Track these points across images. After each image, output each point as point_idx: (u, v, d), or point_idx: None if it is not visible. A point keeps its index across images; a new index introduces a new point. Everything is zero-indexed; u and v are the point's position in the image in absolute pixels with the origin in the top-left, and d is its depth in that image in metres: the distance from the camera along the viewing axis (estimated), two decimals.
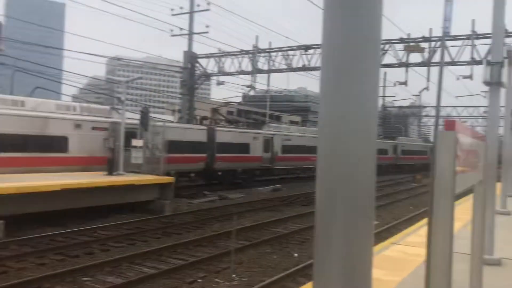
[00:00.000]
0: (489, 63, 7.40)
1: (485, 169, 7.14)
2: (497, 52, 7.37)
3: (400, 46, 29.81)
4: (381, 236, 14.21)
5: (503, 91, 14.34)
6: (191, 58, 33.19)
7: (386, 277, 6.10)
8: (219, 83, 35.87)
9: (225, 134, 28.98)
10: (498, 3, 7.20)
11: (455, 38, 28.54)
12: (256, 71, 33.82)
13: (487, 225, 7.08)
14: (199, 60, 34.28)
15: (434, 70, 34.63)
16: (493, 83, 7.32)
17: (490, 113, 7.58)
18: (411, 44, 27.23)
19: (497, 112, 7.56)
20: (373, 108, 1.47)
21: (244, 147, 30.40)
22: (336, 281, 1.38)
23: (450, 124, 3.38)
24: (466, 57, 27.80)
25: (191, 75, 33.29)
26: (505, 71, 7.44)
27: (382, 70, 57.92)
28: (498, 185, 21.73)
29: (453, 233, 3.16)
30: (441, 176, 3.12)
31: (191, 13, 32.11)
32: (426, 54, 29.29)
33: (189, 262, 11.40)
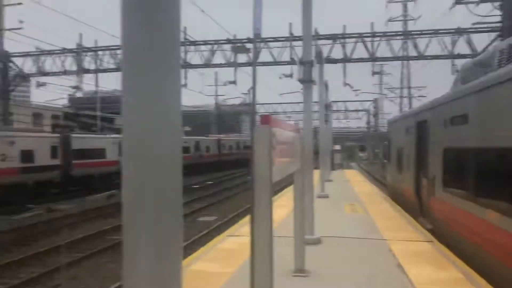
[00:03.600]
0: (301, 63, 8.21)
1: (303, 158, 7.89)
2: (307, 53, 8.20)
3: (228, 47, 31.18)
4: (220, 230, 14.69)
5: (316, 87, 16.11)
6: (2, 56, 29.46)
7: (220, 269, 6.32)
8: (40, 84, 32.60)
9: (82, 140, 29.56)
10: (306, 9, 8.02)
11: (276, 39, 30.97)
12: (82, 71, 31.68)
13: (308, 209, 7.86)
14: (13, 59, 30.68)
15: (261, 69, 36.94)
16: (306, 81, 8.14)
17: (305, 107, 8.41)
18: (237, 45, 28.64)
19: (310, 106, 8.44)
20: (176, 107, 1.49)
21: (100, 152, 30.75)
22: (144, 281, 1.36)
23: (265, 119, 3.65)
24: (286, 57, 30.43)
25: (4, 76, 29.57)
26: (315, 69, 8.34)
27: (213, 70, 59.30)
28: (317, 172, 24.21)
29: (272, 219, 3.44)
30: (259, 168, 3.35)
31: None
32: (251, 55, 31.17)
33: (10, 286, 10.15)
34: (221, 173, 43.73)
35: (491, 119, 6.60)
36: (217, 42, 31.42)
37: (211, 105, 73.75)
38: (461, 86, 8.62)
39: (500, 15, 23.53)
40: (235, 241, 8.10)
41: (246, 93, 56.08)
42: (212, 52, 31.39)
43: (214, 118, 69.49)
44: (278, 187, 28.16)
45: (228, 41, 30.75)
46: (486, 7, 24.99)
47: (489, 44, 24.31)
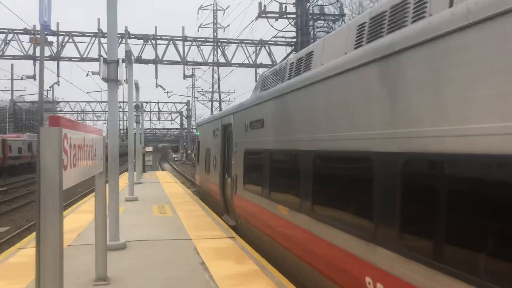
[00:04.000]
0: (105, 61, 7.84)
1: (109, 160, 7.54)
2: (112, 51, 7.86)
3: (25, 38, 27.97)
4: (12, 242, 13.03)
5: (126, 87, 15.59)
6: None
7: (7, 286, 5.61)
8: None
9: None
10: (111, 6, 7.68)
11: (83, 34, 29.03)
12: None
13: (112, 213, 7.56)
14: None
15: (65, 65, 34.21)
16: (111, 80, 7.80)
17: (110, 107, 8.06)
18: (37, 37, 25.87)
19: (116, 106, 8.10)
20: None
21: None
22: None
23: (54, 120, 3.36)
24: (95, 53, 28.78)
25: None
26: (122, 68, 8.01)
27: (8, 62, 52.45)
28: (126, 175, 23.51)
29: (62, 229, 3.18)
30: (46, 172, 3.06)
31: None
32: (54, 48, 28.56)
33: None
34: (12, 179, 38.76)
35: (281, 125, 7.34)
36: (12, 31, 27.91)
37: (5, 100, 65.13)
38: (258, 94, 9.44)
39: (294, 31, 26.54)
40: (28, 253, 7.28)
41: (48, 90, 51.18)
42: (5, 42, 27.77)
43: (9, 116, 61.54)
44: (89, 189, 26.41)
45: (26, 31, 27.61)
46: (284, 23, 27.90)
47: (286, 57, 27.20)
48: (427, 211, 3.46)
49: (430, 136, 3.49)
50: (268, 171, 7.76)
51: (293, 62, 7.73)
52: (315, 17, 25.74)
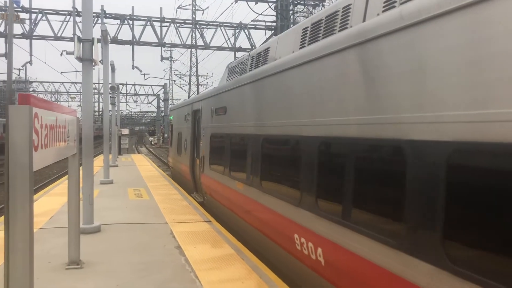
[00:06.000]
0: (80, 40, 7.59)
1: (83, 142, 7.37)
2: (87, 30, 7.61)
3: None
4: None
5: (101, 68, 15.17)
6: None
7: None
8: None
9: None
10: None
11: (57, 12, 28.18)
12: None
13: (86, 196, 7.41)
14: None
15: (38, 43, 33.24)
16: (85, 60, 7.58)
17: (84, 88, 7.83)
18: (4, 13, 24.98)
19: (91, 87, 7.88)
20: None
21: None
22: None
23: (24, 99, 3.21)
24: (69, 33, 28.00)
25: None
26: (97, 48, 7.80)
27: None
28: (101, 157, 23.15)
29: (33, 212, 3.07)
30: (15, 153, 2.93)
31: None
32: (27, 26, 27.67)
33: None
34: None
35: (239, 112, 8.35)
36: None
37: None
38: (222, 83, 10.50)
39: (274, 15, 26.34)
40: None
41: (21, 69, 49.64)
42: None
43: None
44: (62, 172, 25.91)
45: None
46: (264, 6, 27.62)
47: (265, 41, 27.01)
48: (334, 183, 4.54)
49: (322, 124, 4.88)
50: (229, 153, 8.86)
51: (253, 56, 8.54)
52: (296, 1, 25.55)
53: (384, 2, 4.34)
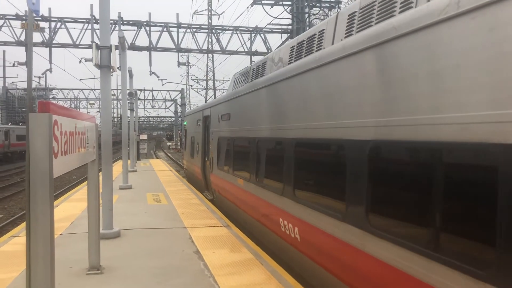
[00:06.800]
0: (98, 47, 7.68)
1: (102, 148, 7.44)
2: (105, 37, 7.70)
3: (17, 24, 27.57)
4: (5, 230, 12.96)
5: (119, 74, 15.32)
6: None
7: (0, 275, 5.53)
8: None
9: None
10: None
11: (75, 20, 28.63)
12: None
13: (106, 201, 7.48)
14: None
15: (57, 51, 33.81)
16: (104, 66, 7.66)
17: (103, 94, 7.92)
18: (24, 22, 25.49)
19: (109, 93, 7.97)
20: None
21: None
22: None
23: (44, 106, 3.25)
24: (88, 40, 28.40)
25: None
26: (115, 55, 7.87)
27: (0, 48, 51.83)
28: (120, 163, 23.39)
29: (53, 218, 3.10)
30: (36, 160, 2.96)
31: None
32: (47, 35, 28.18)
33: None
34: (11, 165, 38.55)
35: (239, 118, 9.57)
36: (3, 16, 27.48)
37: None
38: (229, 91, 11.74)
39: (290, 18, 26.30)
40: (21, 241, 7.21)
41: (41, 76, 50.55)
42: None
43: (1, 103, 60.90)
44: (82, 177, 26.24)
45: (17, 17, 27.19)
46: (279, 10, 27.54)
47: (282, 44, 26.97)
48: (307, 174, 5.78)
49: (300, 128, 5.98)
50: (232, 154, 10.11)
51: (254, 68, 9.74)
52: (311, 4, 25.47)
53: (345, 31, 5.44)
